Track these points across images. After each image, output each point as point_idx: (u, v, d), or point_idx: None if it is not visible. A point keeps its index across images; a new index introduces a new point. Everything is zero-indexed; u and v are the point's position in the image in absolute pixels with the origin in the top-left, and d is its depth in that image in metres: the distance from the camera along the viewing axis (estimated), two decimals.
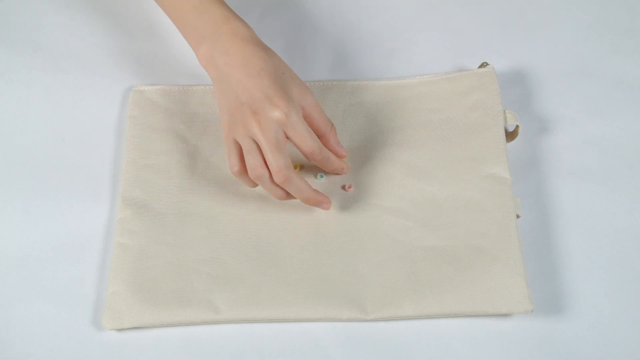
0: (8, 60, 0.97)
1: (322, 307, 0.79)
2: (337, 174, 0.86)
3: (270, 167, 0.78)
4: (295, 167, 0.88)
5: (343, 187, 0.87)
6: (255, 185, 0.82)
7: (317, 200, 0.81)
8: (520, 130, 0.89)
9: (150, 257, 0.82)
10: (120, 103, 0.94)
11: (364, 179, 0.87)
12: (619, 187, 0.88)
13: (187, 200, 0.86)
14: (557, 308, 0.80)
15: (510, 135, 0.90)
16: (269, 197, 0.86)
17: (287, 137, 0.79)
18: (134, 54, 0.98)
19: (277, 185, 0.80)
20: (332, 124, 0.83)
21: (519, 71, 0.97)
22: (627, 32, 1.00)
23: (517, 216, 0.84)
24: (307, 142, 0.79)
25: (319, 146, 0.80)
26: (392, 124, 0.90)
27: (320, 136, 0.83)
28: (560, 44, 0.99)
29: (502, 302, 0.78)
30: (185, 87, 0.93)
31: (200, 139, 0.90)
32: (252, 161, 0.78)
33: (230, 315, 0.79)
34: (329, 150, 0.84)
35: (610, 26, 1.00)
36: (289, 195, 0.81)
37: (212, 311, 0.79)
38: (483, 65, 0.93)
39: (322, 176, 0.88)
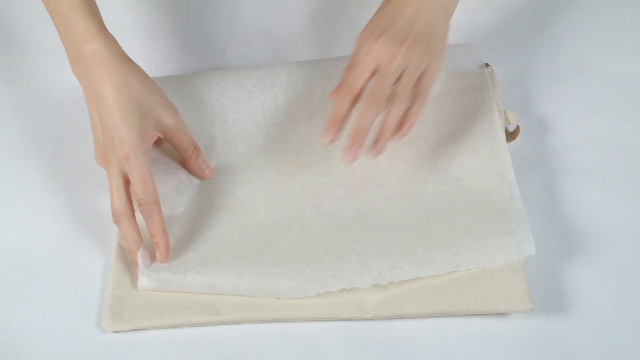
0: (8, 60, 0.97)
1: (322, 307, 0.79)
2: (153, 235, 0.81)
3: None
4: (295, 165, 0.88)
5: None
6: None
7: (133, 256, 0.81)
8: (520, 131, 0.89)
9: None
10: None
11: (366, 171, 0.87)
12: (619, 187, 0.88)
13: (187, 202, 0.85)
14: (557, 308, 0.80)
15: (511, 135, 0.90)
16: (271, 197, 0.86)
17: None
18: (133, 53, 0.98)
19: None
20: (196, 146, 0.85)
21: (519, 71, 0.97)
22: (627, 32, 1.00)
23: None
24: (137, 189, 0.79)
25: (147, 198, 0.79)
26: None
27: (183, 159, 0.86)
28: (560, 44, 0.99)
29: (502, 301, 0.78)
30: (181, 81, 0.92)
31: (200, 127, 0.89)
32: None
33: (231, 317, 0.79)
34: (194, 172, 0.86)
35: (610, 26, 1.00)
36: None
37: (212, 313, 0.79)
38: (483, 65, 0.93)
39: (323, 173, 0.87)
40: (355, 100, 0.79)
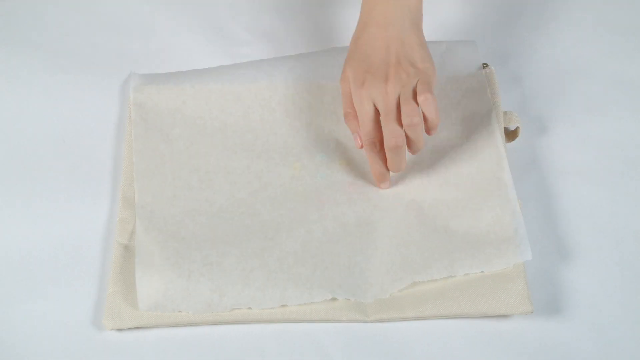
0: (8, 60, 0.97)
1: (323, 309, 0.79)
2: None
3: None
4: (295, 168, 0.88)
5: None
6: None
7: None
8: (520, 131, 0.89)
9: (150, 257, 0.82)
10: (120, 103, 0.94)
11: (365, 178, 0.87)
12: (619, 187, 0.88)
13: (187, 201, 0.85)
14: (557, 309, 0.80)
15: (511, 135, 0.90)
16: (272, 199, 0.86)
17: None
18: (134, 54, 0.98)
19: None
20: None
21: (518, 71, 0.97)
22: (627, 32, 1.00)
23: None
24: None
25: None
26: None
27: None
28: (560, 44, 0.99)
29: (502, 303, 0.78)
30: (185, 86, 0.92)
31: (200, 139, 0.90)
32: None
33: (231, 317, 0.79)
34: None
35: (610, 26, 1.00)
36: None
37: (212, 313, 0.79)
38: (483, 66, 0.93)
39: (322, 177, 0.88)
40: (380, 143, 0.84)
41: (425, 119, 0.81)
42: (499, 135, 0.87)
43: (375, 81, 0.81)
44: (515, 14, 1.02)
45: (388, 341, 0.79)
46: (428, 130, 0.83)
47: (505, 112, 0.90)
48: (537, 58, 0.98)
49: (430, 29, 0.96)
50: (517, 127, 0.89)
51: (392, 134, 0.80)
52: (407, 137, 0.81)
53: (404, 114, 0.80)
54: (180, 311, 0.79)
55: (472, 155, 0.86)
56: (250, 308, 0.79)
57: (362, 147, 0.84)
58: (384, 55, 0.82)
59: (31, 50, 0.97)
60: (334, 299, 0.79)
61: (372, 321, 0.79)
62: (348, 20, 1.01)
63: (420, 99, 0.79)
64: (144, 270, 0.80)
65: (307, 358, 0.78)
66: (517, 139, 0.90)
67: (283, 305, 0.79)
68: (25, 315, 0.80)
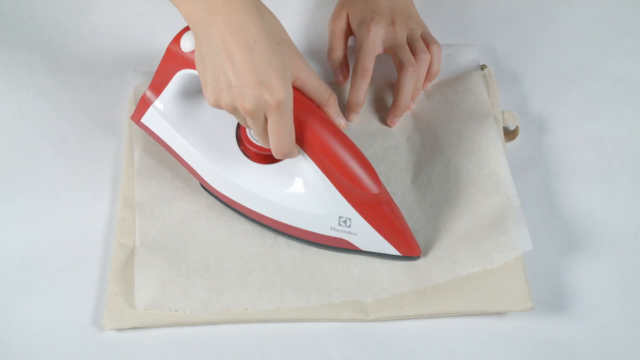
0: (8, 60, 0.97)
1: (323, 308, 0.79)
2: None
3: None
4: None
5: None
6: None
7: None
8: (520, 131, 0.89)
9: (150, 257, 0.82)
10: (120, 102, 0.94)
11: None
12: (619, 186, 0.88)
13: (187, 202, 0.85)
14: (557, 307, 0.80)
15: (510, 135, 0.90)
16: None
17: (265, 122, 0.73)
18: (134, 54, 0.98)
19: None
20: (332, 92, 0.76)
21: (518, 71, 0.97)
22: (627, 32, 1.00)
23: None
24: (277, 142, 0.73)
25: (285, 152, 0.74)
26: (389, 128, 0.90)
27: (319, 105, 0.76)
28: (560, 44, 0.99)
29: (502, 300, 0.78)
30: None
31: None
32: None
33: (231, 317, 0.79)
34: (331, 117, 0.77)
35: (610, 26, 1.00)
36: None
37: (212, 312, 0.79)
38: (482, 67, 0.94)
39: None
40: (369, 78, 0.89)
41: (430, 67, 0.89)
42: (497, 134, 0.87)
43: (384, 21, 0.90)
44: (515, 14, 1.02)
45: (388, 341, 0.79)
46: (429, 79, 0.91)
47: (504, 112, 0.90)
48: (537, 58, 0.98)
49: (431, 29, 0.96)
50: (517, 127, 0.89)
51: (410, 60, 0.88)
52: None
53: (418, 49, 0.88)
54: (177, 310, 0.78)
55: (470, 154, 0.87)
56: (247, 309, 0.79)
57: (342, 83, 0.92)
58: (387, 3, 0.91)
59: (31, 50, 0.98)
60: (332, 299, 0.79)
61: (372, 320, 0.79)
62: None
63: (433, 48, 0.89)
64: (143, 270, 0.80)
65: (307, 358, 0.78)
66: (516, 139, 0.90)
67: (282, 298, 0.79)
68: (25, 315, 0.80)
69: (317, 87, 0.75)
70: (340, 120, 0.77)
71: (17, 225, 0.86)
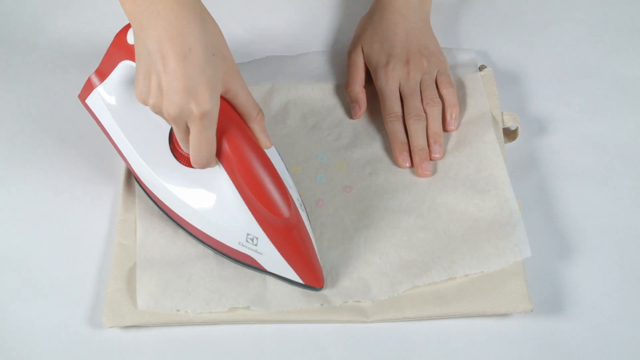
0: (8, 60, 0.97)
1: (323, 310, 0.79)
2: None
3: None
4: (296, 171, 0.88)
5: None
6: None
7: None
8: (520, 131, 0.89)
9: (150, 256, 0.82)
10: None
11: (364, 181, 0.87)
12: (619, 187, 0.88)
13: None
14: (557, 308, 0.80)
15: (511, 135, 0.90)
16: None
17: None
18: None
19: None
20: (260, 110, 0.76)
21: (518, 71, 0.97)
22: (627, 32, 1.00)
23: None
24: (196, 152, 0.72)
25: (203, 162, 0.74)
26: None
27: (246, 121, 0.76)
28: (560, 44, 0.99)
29: (502, 302, 0.78)
30: None
31: None
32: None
33: (231, 317, 0.79)
34: (257, 134, 0.76)
35: (610, 26, 1.00)
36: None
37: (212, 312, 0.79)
38: (481, 68, 0.94)
39: (322, 178, 0.87)
40: (402, 120, 0.89)
41: (446, 107, 0.90)
42: (494, 135, 0.87)
43: (399, 64, 0.90)
44: (515, 14, 1.02)
45: (388, 341, 0.79)
46: (449, 123, 0.90)
47: (504, 113, 0.90)
48: (537, 58, 0.98)
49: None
50: (517, 128, 0.89)
51: (415, 109, 0.88)
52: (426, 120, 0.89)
53: (426, 97, 0.89)
54: (178, 310, 0.78)
55: (469, 156, 0.87)
56: (248, 308, 0.79)
57: (357, 117, 0.92)
58: (404, 41, 0.92)
59: (31, 50, 0.97)
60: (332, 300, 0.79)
61: (372, 322, 0.79)
62: (348, 21, 1.01)
63: (446, 92, 0.90)
64: (144, 272, 0.80)
65: (307, 358, 0.78)
66: (516, 140, 0.90)
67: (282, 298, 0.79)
68: (25, 315, 0.80)
69: (247, 102, 0.74)
70: (264, 138, 0.77)
71: (17, 225, 0.86)
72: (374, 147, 0.89)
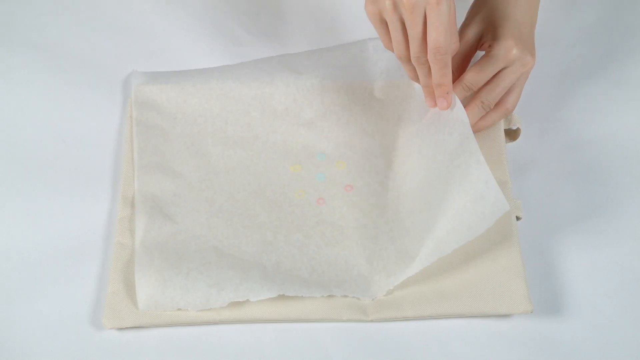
0: (8, 60, 0.97)
1: (323, 309, 0.79)
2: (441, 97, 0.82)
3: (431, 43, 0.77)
4: (296, 169, 0.88)
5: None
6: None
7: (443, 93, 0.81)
8: (521, 131, 0.89)
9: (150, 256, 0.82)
10: (121, 102, 0.94)
11: (364, 179, 0.87)
12: (619, 187, 0.88)
13: (187, 200, 0.86)
14: (557, 308, 0.80)
15: (512, 135, 0.90)
16: (270, 200, 0.86)
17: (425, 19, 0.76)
18: (134, 54, 0.98)
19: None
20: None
21: None
22: (627, 32, 1.00)
23: (518, 218, 0.83)
24: (441, 36, 0.75)
25: (448, 48, 0.77)
26: (387, 126, 0.90)
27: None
28: (560, 44, 0.99)
29: (502, 303, 0.78)
30: (186, 85, 0.92)
31: (201, 138, 0.90)
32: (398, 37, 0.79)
33: (231, 317, 0.79)
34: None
35: (610, 26, 1.00)
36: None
37: (212, 312, 0.79)
38: None
39: (322, 177, 0.88)
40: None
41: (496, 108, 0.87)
42: (501, 136, 0.87)
43: (524, 52, 0.84)
44: None
45: (388, 341, 0.79)
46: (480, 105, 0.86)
47: None
48: (537, 58, 0.98)
49: None
50: (518, 128, 0.89)
51: (485, 103, 0.85)
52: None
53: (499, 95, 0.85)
54: (179, 308, 0.79)
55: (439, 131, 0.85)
56: (248, 300, 0.79)
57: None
58: (530, 31, 0.86)
59: (31, 50, 0.98)
60: (331, 296, 0.79)
61: (371, 321, 0.79)
62: (348, 20, 1.01)
63: (509, 100, 0.86)
64: (143, 270, 0.80)
65: (307, 358, 0.78)
66: (517, 140, 0.90)
67: (282, 298, 0.79)
68: (25, 315, 0.80)
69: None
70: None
71: (17, 224, 0.86)
72: (373, 145, 0.89)
